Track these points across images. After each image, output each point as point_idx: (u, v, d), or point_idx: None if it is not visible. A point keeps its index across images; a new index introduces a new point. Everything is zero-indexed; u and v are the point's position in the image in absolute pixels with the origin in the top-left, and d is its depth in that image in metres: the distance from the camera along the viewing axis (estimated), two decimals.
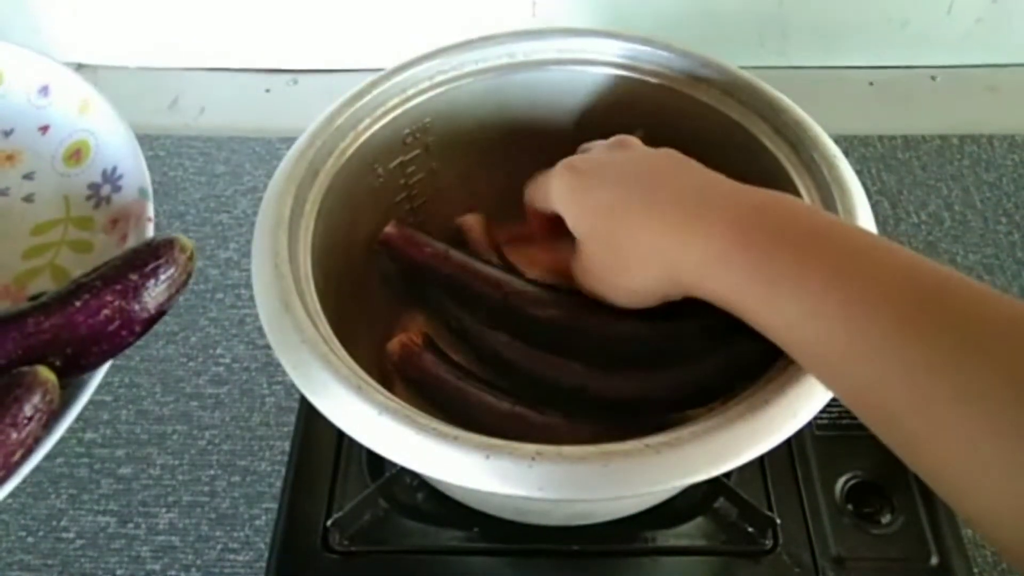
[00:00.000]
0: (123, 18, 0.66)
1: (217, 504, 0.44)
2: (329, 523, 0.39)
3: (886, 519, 0.40)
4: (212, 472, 0.45)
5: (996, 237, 0.56)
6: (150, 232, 0.36)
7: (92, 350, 0.30)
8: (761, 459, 0.27)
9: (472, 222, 0.41)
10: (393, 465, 0.40)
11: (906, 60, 0.68)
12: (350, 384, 0.28)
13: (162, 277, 0.31)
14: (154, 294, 0.31)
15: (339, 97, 0.37)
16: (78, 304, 0.30)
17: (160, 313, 0.32)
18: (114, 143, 0.40)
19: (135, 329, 0.31)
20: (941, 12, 0.64)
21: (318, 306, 0.31)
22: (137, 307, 0.31)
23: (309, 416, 0.44)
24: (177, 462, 0.46)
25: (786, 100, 0.37)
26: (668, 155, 0.33)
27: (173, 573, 0.42)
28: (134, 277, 0.31)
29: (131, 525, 0.44)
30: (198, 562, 0.42)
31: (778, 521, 0.39)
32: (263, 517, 0.44)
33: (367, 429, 0.27)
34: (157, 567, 0.42)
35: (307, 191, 0.35)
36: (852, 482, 0.41)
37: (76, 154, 0.40)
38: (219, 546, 0.43)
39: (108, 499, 0.44)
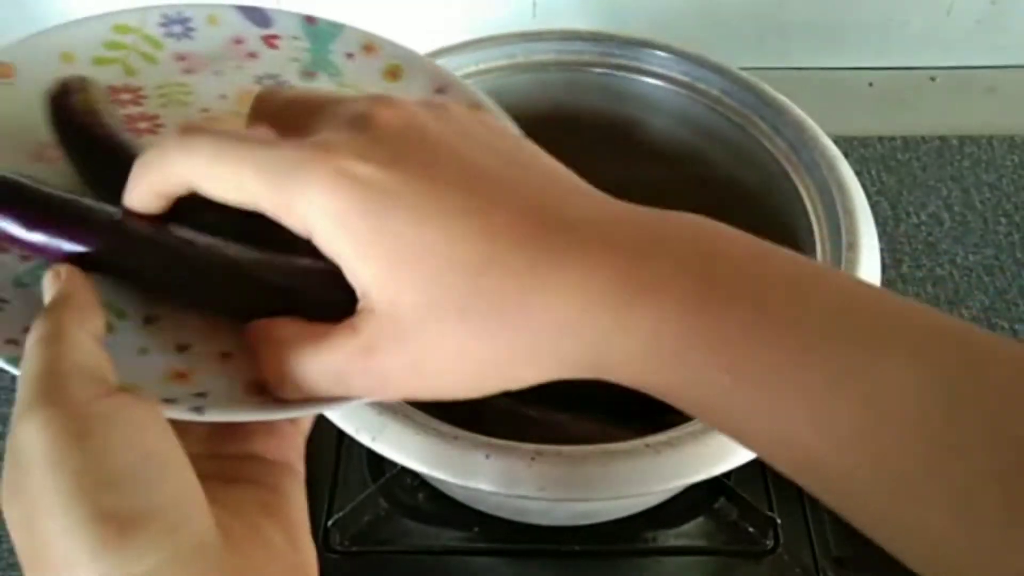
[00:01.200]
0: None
1: None
2: (330, 523, 0.39)
3: None
4: None
5: (996, 238, 0.56)
6: None
7: None
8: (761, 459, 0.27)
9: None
10: (393, 465, 0.40)
11: (906, 61, 0.68)
12: None
13: None
14: None
15: None
16: None
17: None
18: None
19: None
20: (941, 13, 0.64)
21: None
22: None
23: None
24: None
25: (786, 101, 0.37)
26: (492, 134, 0.21)
27: None
28: None
29: None
30: None
31: (779, 521, 0.39)
32: None
33: (367, 429, 0.27)
34: None
35: None
36: None
37: None
38: None
39: None
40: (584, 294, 0.18)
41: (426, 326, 0.18)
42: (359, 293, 0.19)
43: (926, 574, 0.17)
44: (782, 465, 0.18)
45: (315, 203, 0.18)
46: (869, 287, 0.19)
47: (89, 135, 0.24)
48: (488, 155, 0.20)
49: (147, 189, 0.20)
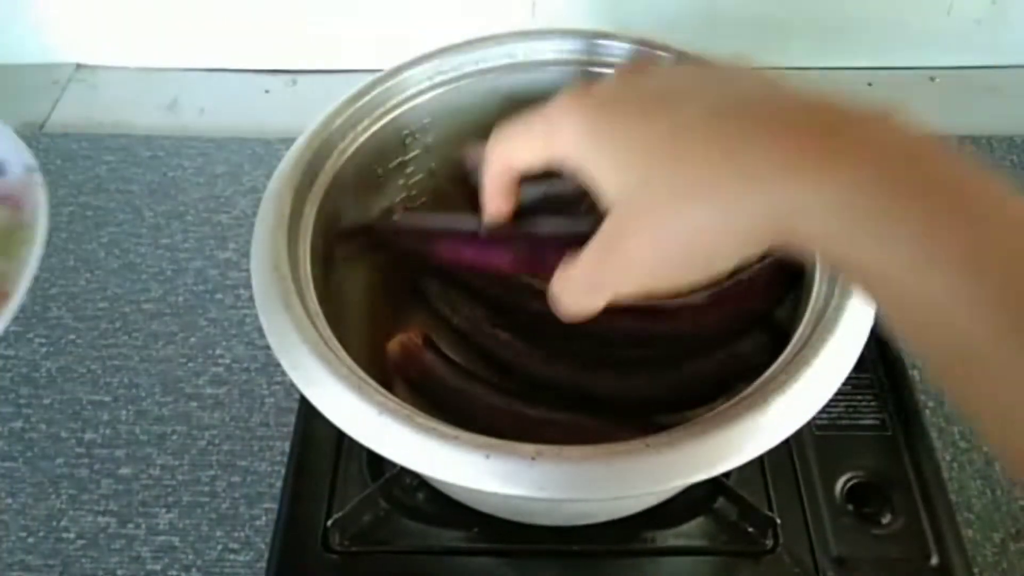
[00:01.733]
0: (123, 18, 0.66)
1: (217, 504, 0.44)
2: (329, 523, 0.39)
3: (886, 519, 0.40)
4: (212, 472, 0.45)
5: None
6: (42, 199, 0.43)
7: None
8: (761, 459, 0.27)
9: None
10: (393, 465, 0.40)
11: (905, 61, 0.68)
12: (350, 384, 0.28)
13: None
14: None
15: (338, 98, 0.37)
16: None
17: None
18: None
19: None
20: (941, 13, 0.64)
21: (317, 306, 0.31)
22: None
23: (309, 416, 0.44)
24: (177, 462, 0.46)
25: None
26: (716, 68, 0.24)
27: (173, 573, 0.42)
28: None
29: (131, 525, 0.44)
30: (198, 562, 0.42)
31: (778, 521, 0.39)
32: (263, 517, 0.44)
33: (367, 429, 0.27)
34: (158, 567, 0.42)
35: (306, 191, 0.35)
36: (852, 482, 0.41)
37: None
38: (219, 546, 0.43)
39: (108, 499, 0.44)
40: (783, 160, 0.20)
41: (660, 201, 0.22)
42: (605, 196, 0.23)
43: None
44: (916, 335, 0.20)
45: (564, 129, 0.23)
46: None
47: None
48: (700, 76, 0.23)
49: (490, 184, 0.28)
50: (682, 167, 0.21)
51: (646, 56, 0.26)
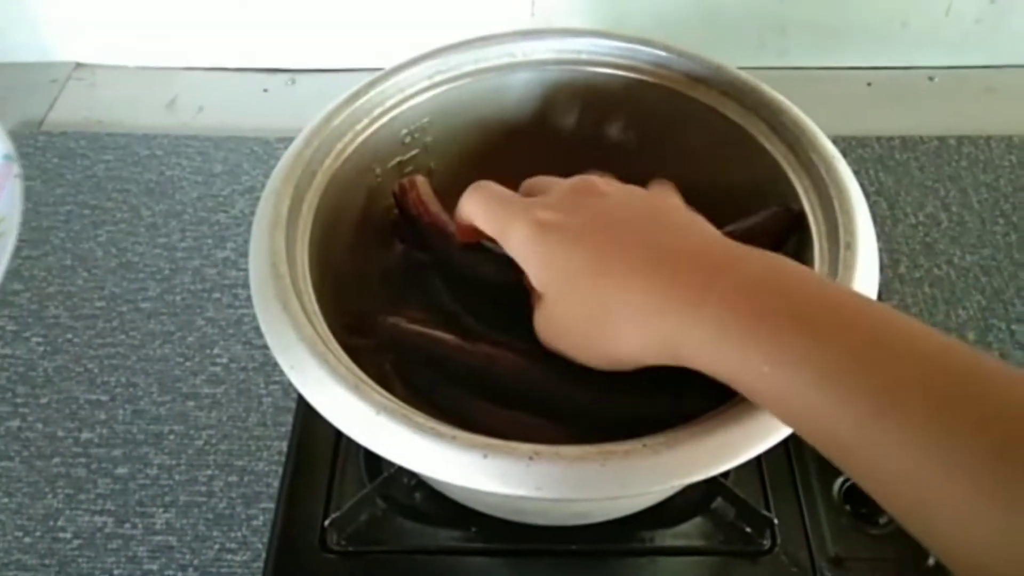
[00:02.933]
0: (122, 18, 0.66)
1: (214, 504, 0.44)
2: (327, 523, 0.39)
3: (884, 519, 0.40)
4: (209, 472, 0.45)
5: (993, 238, 0.56)
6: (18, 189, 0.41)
7: None
8: (759, 459, 0.27)
9: (418, 180, 0.39)
10: (391, 465, 0.40)
11: (904, 61, 0.68)
12: (348, 383, 0.28)
13: None
14: None
15: (337, 97, 0.37)
16: None
17: None
18: None
19: None
20: (940, 13, 0.64)
21: (316, 306, 0.31)
22: None
23: (306, 416, 0.44)
24: (174, 462, 0.46)
25: (784, 100, 0.37)
26: (646, 203, 0.30)
27: (170, 573, 0.42)
28: None
29: (128, 525, 0.44)
30: (195, 562, 0.42)
31: (776, 521, 0.39)
32: (260, 517, 0.44)
33: (365, 428, 0.27)
34: (154, 567, 0.42)
35: (305, 191, 0.35)
36: (850, 482, 0.41)
37: None
38: (216, 546, 0.43)
39: (105, 499, 0.44)
40: (663, 300, 0.25)
41: (561, 305, 0.29)
42: (535, 285, 0.30)
43: (919, 532, 0.21)
44: (810, 439, 0.23)
45: (513, 237, 0.30)
46: (884, 311, 0.23)
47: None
48: (625, 215, 0.29)
49: (459, 221, 0.33)
50: (595, 293, 0.27)
51: (586, 181, 0.31)
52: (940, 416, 0.20)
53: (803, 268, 0.26)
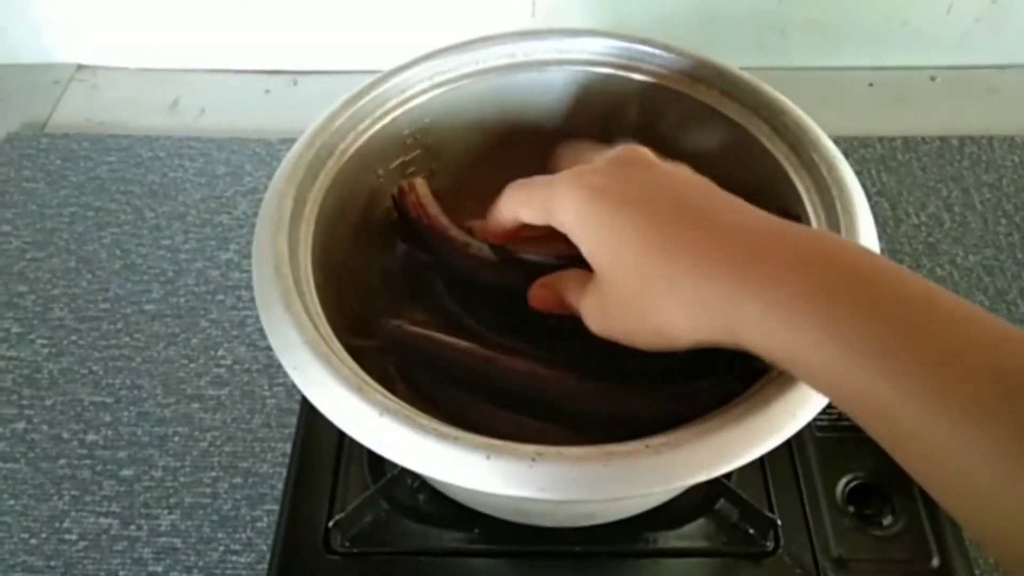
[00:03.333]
0: (123, 19, 0.66)
1: (219, 506, 0.44)
2: (330, 524, 0.39)
3: (887, 521, 0.40)
4: (214, 474, 0.45)
5: (996, 238, 0.56)
6: None
7: None
8: (762, 460, 0.27)
9: (417, 182, 0.39)
10: (394, 466, 0.40)
11: (906, 61, 0.68)
12: (351, 385, 0.28)
13: None
14: None
15: (339, 98, 0.37)
16: None
17: None
18: None
19: None
20: (941, 12, 0.64)
21: (319, 307, 0.31)
22: None
23: (310, 417, 0.44)
24: (179, 464, 0.46)
25: (786, 101, 0.37)
26: (693, 178, 0.29)
27: (175, 574, 0.42)
28: None
29: (133, 527, 0.44)
30: (200, 564, 0.42)
31: (779, 522, 0.39)
32: (265, 519, 0.44)
33: (368, 430, 0.27)
34: (159, 569, 0.42)
35: (307, 192, 0.35)
36: (853, 483, 0.41)
37: None
38: (221, 548, 0.43)
39: (110, 501, 0.45)
40: (716, 275, 0.25)
41: (614, 276, 0.28)
42: (591, 260, 0.28)
43: (954, 507, 0.21)
44: (856, 414, 0.22)
45: (565, 204, 0.28)
46: (944, 294, 0.22)
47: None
48: (674, 186, 0.28)
49: (495, 224, 0.33)
50: (651, 262, 0.26)
51: (633, 151, 0.30)
52: (1007, 396, 0.20)
53: (860, 248, 0.25)
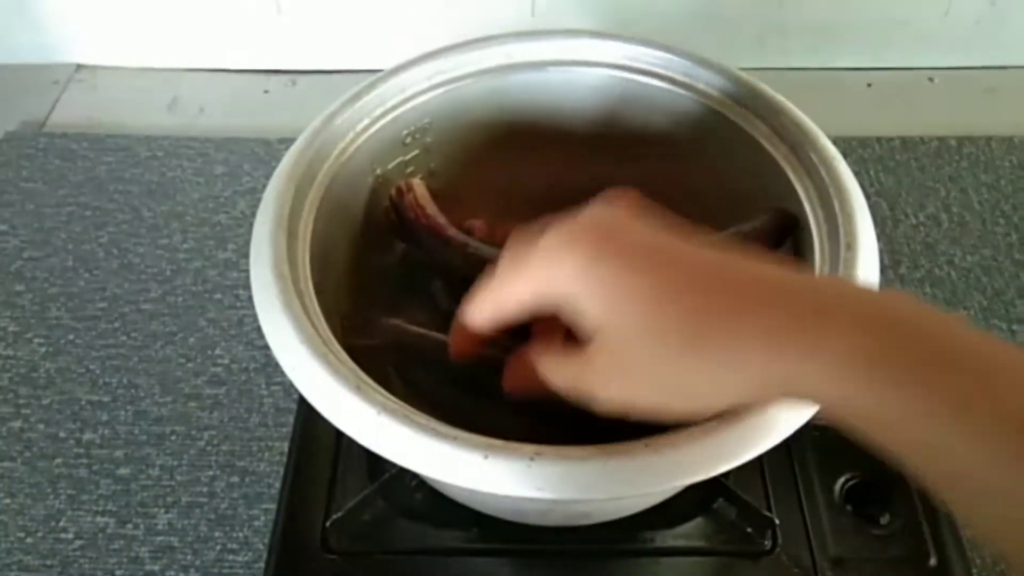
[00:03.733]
0: (122, 18, 0.66)
1: (216, 505, 0.44)
2: (328, 524, 0.39)
3: (885, 520, 0.40)
4: (211, 473, 0.45)
5: (994, 238, 0.56)
6: None
7: None
8: (760, 460, 0.27)
9: (414, 183, 0.39)
10: (392, 465, 0.40)
11: (904, 61, 0.68)
12: (349, 384, 0.28)
13: None
14: None
15: (338, 98, 0.37)
16: None
17: None
18: None
19: None
20: (939, 13, 0.64)
21: (317, 307, 0.31)
22: None
23: (308, 417, 0.44)
24: (176, 463, 0.46)
25: (785, 101, 0.37)
26: (676, 235, 0.26)
27: (172, 574, 0.42)
28: None
29: (130, 526, 0.44)
30: (197, 563, 0.42)
31: (777, 521, 0.39)
32: (262, 518, 0.44)
33: (366, 429, 0.27)
34: (156, 568, 0.42)
35: (306, 192, 0.35)
36: (851, 483, 0.41)
37: None
38: (218, 547, 0.43)
39: (107, 500, 0.44)
40: (772, 340, 0.22)
41: (634, 345, 0.24)
42: (588, 328, 0.25)
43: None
44: (930, 476, 0.21)
45: (566, 262, 0.24)
46: (998, 347, 0.21)
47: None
48: (679, 245, 0.25)
49: (463, 337, 0.30)
50: (671, 326, 0.23)
51: (620, 193, 0.27)
52: None
53: (921, 306, 0.23)
